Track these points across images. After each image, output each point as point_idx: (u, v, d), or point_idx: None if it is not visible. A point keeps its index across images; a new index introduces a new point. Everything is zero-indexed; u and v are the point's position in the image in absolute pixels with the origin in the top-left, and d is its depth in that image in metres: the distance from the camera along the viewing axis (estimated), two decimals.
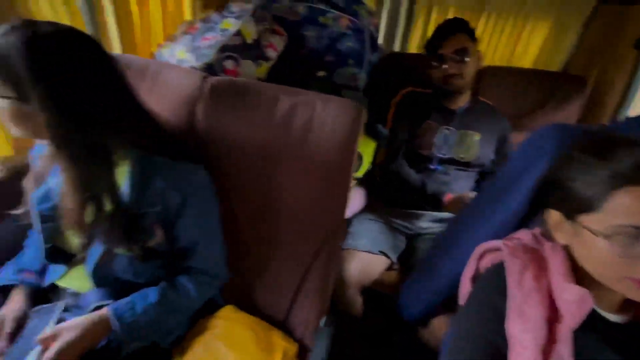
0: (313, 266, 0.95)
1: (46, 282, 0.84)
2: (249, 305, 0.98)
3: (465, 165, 1.32)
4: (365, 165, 1.28)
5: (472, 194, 1.17)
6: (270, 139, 0.93)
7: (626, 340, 0.54)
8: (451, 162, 1.32)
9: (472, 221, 0.85)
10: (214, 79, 0.96)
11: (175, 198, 0.73)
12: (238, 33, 1.07)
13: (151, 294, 0.77)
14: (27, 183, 0.79)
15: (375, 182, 1.34)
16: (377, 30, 1.38)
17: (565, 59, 1.60)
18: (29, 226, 0.88)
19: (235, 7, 1.15)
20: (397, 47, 1.78)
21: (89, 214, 0.68)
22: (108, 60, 0.66)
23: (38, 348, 0.67)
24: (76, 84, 0.61)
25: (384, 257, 1.22)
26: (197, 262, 0.82)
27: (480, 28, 1.66)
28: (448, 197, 1.23)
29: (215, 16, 1.16)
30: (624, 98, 1.35)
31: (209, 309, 0.91)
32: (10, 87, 0.59)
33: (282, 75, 1.27)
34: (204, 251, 0.81)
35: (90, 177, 0.66)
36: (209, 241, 0.82)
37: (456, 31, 1.21)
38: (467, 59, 1.21)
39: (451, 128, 1.31)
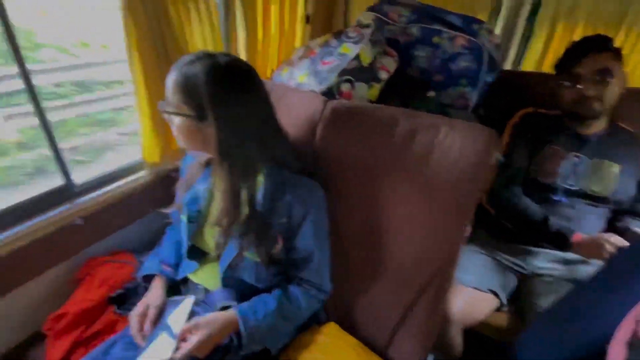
0: (421, 298, 0.91)
1: (180, 275, 0.96)
2: (349, 326, 0.98)
3: (597, 200, 1.14)
4: None
5: (615, 237, 0.99)
6: (387, 162, 0.92)
7: None
8: (580, 195, 1.14)
9: (630, 274, 0.72)
10: (334, 103, 1.00)
11: (300, 211, 0.80)
12: (356, 57, 1.11)
13: (270, 301, 0.82)
14: (179, 187, 0.92)
15: (485, 211, 1.23)
16: (498, 49, 1.29)
17: None
18: (167, 223, 1.02)
19: (352, 32, 1.20)
20: (509, 65, 1.64)
21: (230, 218, 0.77)
22: (263, 86, 0.75)
23: (177, 336, 0.75)
24: (243, 106, 0.71)
25: (492, 296, 1.11)
26: (309, 274, 0.86)
27: (617, 44, 1.43)
28: (577, 236, 1.07)
29: (333, 41, 1.22)
30: None
31: (312, 322, 0.94)
32: (192, 108, 0.70)
33: (391, 96, 1.27)
34: (315, 264, 0.85)
35: (240, 186, 0.75)
36: (321, 255, 0.85)
37: (599, 49, 1.06)
38: (609, 80, 1.04)
39: (581, 156, 1.14)
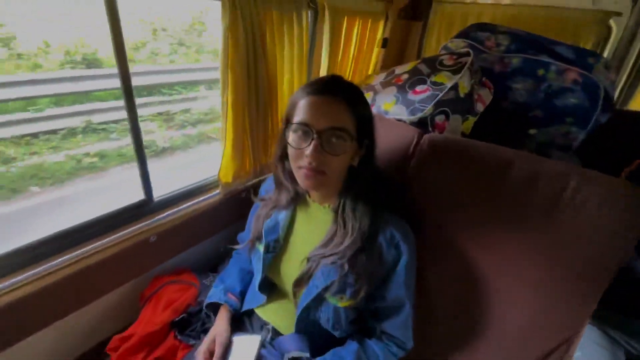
0: None
1: (246, 306, 0.89)
2: None
3: None
4: None
5: None
6: (495, 210, 0.80)
7: None
8: None
9: None
10: (431, 136, 0.91)
11: (392, 254, 0.72)
12: (454, 87, 1.01)
13: (346, 357, 0.73)
14: (258, 215, 0.86)
15: None
16: (613, 85, 1.13)
17: None
18: (229, 246, 0.96)
19: (448, 60, 1.10)
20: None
21: (351, 261, 0.69)
22: None
23: None
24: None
25: None
26: (393, 328, 0.76)
27: None
28: None
29: (424, 68, 1.13)
30: None
31: None
32: (356, 132, 0.67)
33: (484, 130, 1.14)
34: (403, 316, 0.75)
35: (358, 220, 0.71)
36: (408, 305, 0.75)
37: None
38: None
39: None
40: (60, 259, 0.87)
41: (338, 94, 0.65)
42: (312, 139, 0.63)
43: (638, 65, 1.39)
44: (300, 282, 0.75)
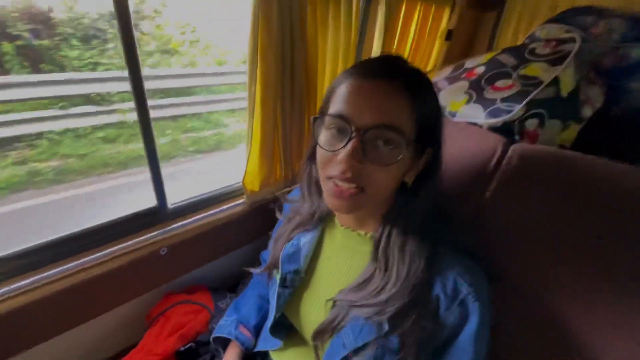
0: None
1: (259, 347, 0.72)
2: None
3: None
4: None
5: None
6: (618, 263, 0.53)
7: None
8: None
9: None
10: (523, 147, 0.66)
11: (455, 315, 0.48)
12: (554, 83, 0.74)
13: None
14: (282, 231, 0.67)
15: None
16: None
17: None
18: (249, 263, 0.77)
19: (543, 48, 0.83)
20: None
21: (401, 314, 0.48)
22: None
23: None
24: None
25: None
26: None
27: None
28: None
29: (507, 58, 0.87)
30: None
31: None
32: (416, 133, 0.47)
33: (598, 143, 0.85)
34: None
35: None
36: None
37: None
38: None
39: None
40: (59, 268, 0.77)
41: (395, 78, 0.44)
42: (350, 139, 0.43)
43: None
44: (321, 333, 0.55)
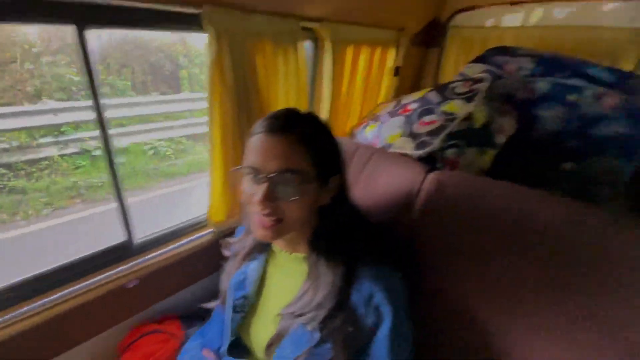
0: None
1: None
2: None
3: None
4: None
5: None
6: (518, 269, 0.64)
7: None
8: None
9: None
10: (438, 174, 0.78)
11: (372, 318, 0.57)
12: (468, 118, 0.89)
13: None
14: (229, 265, 0.76)
15: None
16: None
17: None
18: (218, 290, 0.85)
19: (461, 87, 0.99)
20: None
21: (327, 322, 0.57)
22: None
23: None
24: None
25: None
26: None
27: None
28: None
29: (434, 96, 1.02)
30: None
31: None
32: (316, 168, 0.57)
33: (508, 165, 0.99)
34: None
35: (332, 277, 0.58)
36: None
37: None
38: None
39: None
40: (28, 307, 0.81)
41: (290, 130, 0.55)
42: (262, 183, 0.54)
43: None
44: (270, 346, 0.62)
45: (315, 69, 1.17)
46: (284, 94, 1.03)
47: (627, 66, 1.28)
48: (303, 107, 1.10)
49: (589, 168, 1.03)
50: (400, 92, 1.65)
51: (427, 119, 0.96)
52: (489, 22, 1.58)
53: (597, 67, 1.00)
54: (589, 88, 0.97)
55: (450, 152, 0.88)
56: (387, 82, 1.56)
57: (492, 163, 0.95)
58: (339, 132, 1.39)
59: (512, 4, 1.43)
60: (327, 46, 1.10)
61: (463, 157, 0.89)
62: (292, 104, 1.06)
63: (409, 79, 1.71)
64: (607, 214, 0.60)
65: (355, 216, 0.65)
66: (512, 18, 1.50)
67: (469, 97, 0.93)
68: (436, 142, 0.87)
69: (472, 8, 1.56)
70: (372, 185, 0.85)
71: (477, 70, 1.17)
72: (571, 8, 1.46)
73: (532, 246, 0.63)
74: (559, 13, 1.46)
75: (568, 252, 0.60)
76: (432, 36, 1.69)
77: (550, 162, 0.98)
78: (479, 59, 1.22)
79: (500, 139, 0.95)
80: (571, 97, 0.99)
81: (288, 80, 1.02)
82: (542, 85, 1.04)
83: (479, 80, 0.97)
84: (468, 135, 0.89)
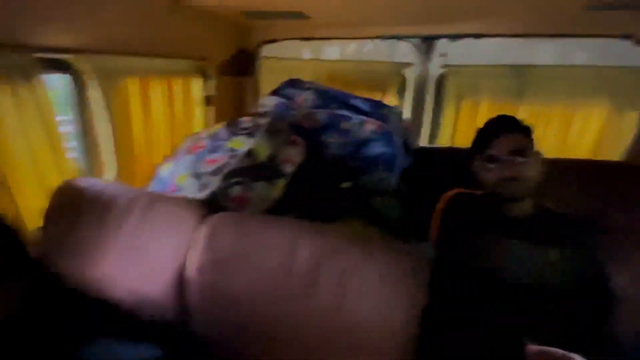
0: None
1: None
2: None
3: (546, 293, 0.99)
4: None
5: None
6: (286, 303, 0.66)
7: None
8: (526, 289, 0.99)
9: None
10: (214, 218, 0.74)
11: None
12: (249, 154, 0.89)
13: None
14: None
15: None
16: (408, 132, 1.21)
17: (628, 149, 1.36)
18: None
19: (247, 122, 1.00)
20: (425, 140, 1.61)
21: None
22: None
23: None
24: None
25: None
26: None
27: (521, 117, 1.47)
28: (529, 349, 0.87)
29: (223, 132, 1.00)
30: None
31: None
32: None
33: (302, 188, 1.06)
34: None
35: None
36: None
37: (510, 130, 1.01)
38: (524, 160, 0.97)
39: (518, 242, 1.01)
40: None
41: None
42: None
43: (434, 106, 1.58)
44: None
45: (81, 109, 0.98)
46: (25, 142, 0.81)
47: (393, 92, 1.60)
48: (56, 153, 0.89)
49: (372, 181, 1.21)
50: (220, 120, 1.61)
51: (213, 156, 0.93)
52: (292, 55, 1.72)
53: (359, 98, 1.19)
54: (353, 117, 1.14)
55: (235, 190, 0.86)
56: (199, 112, 1.49)
57: (286, 190, 0.99)
58: (140, 174, 1.22)
59: (302, 39, 1.59)
60: (91, 81, 0.94)
61: (251, 192, 0.89)
62: (40, 154, 0.85)
63: (228, 108, 1.69)
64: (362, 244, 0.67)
65: None
66: (309, 52, 1.68)
67: (250, 133, 0.94)
68: (216, 182, 0.84)
69: (274, 40, 1.66)
70: (147, 239, 0.74)
71: (270, 102, 1.23)
72: (353, 45, 1.75)
73: (299, 289, 0.66)
74: (344, 50, 1.73)
75: (320, 279, 0.64)
76: (244, 65, 1.72)
77: (334, 182, 1.11)
78: (274, 91, 1.30)
79: (289, 168, 1.00)
80: (344, 125, 1.15)
81: (27, 125, 0.81)
82: (322, 116, 1.16)
83: (262, 115, 1.00)
84: (252, 171, 0.90)
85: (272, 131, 0.97)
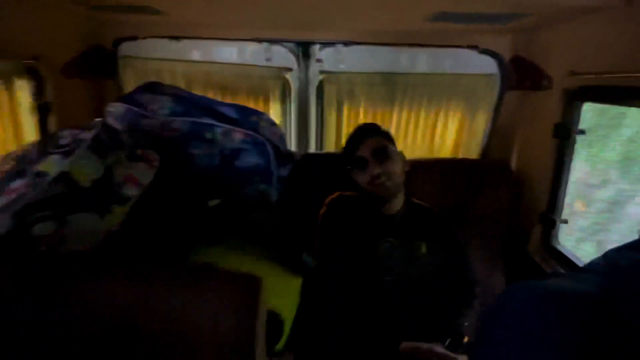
0: None
1: None
2: None
3: (420, 287, 1.04)
4: (288, 328, 0.89)
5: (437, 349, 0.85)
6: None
7: None
8: (403, 283, 1.03)
9: None
10: None
11: None
12: (61, 178, 0.70)
13: None
14: None
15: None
16: (283, 140, 1.15)
17: (482, 147, 1.55)
18: None
19: (67, 137, 0.80)
20: (313, 147, 1.58)
21: None
22: None
23: None
24: None
25: None
26: None
27: (395, 122, 1.56)
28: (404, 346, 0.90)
29: (34, 151, 0.78)
30: (554, 183, 1.27)
31: None
32: None
33: (156, 213, 0.91)
34: None
35: None
36: None
37: (371, 134, 1.06)
38: (388, 158, 1.03)
39: (393, 240, 1.05)
40: None
41: None
42: None
43: (318, 113, 1.56)
44: None
45: None
46: None
47: (275, 97, 1.53)
48: None
49: (247, 197, 1.12)
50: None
51: (16, 184, 0.71)
52: (159, 54, 1.52)
53: (226, 105, 1.09)
54: (218, 126, 1.02)
55: (42, 228, 0.67)
56: (32, 122, 1.19)
57: (129, 218, 0.82)
58: None
59: (171, 38, 1.41)
60: None
61: (69, 227, 0.70)
62: None
63: (80, 117, 1.39)
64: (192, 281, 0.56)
65: None
66: (179, 52, 1.50)
67: (67, 151, 0.75)
68: (7, 221, 0.63)
69: (135, 38, 1.44)
70: None
71: (118, 110, 1.03)
72: (230, 47, 1.63)
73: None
74: (220, 51, 1.59)
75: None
76: (99, 66, 1.45)
77: (200, 200, 0.98)
78: (125, 97, 1.10)
79: (133, 190, 0.83)
80: (208, 135, 1.02)
81: None
82: (183, 124, 1.02)
83: (87, 128, 0.82)
84: (71, 199, 0.71)
85: (100, 147, 0.79)
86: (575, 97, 1.12)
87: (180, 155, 1.02)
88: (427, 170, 1.37)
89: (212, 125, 1.02)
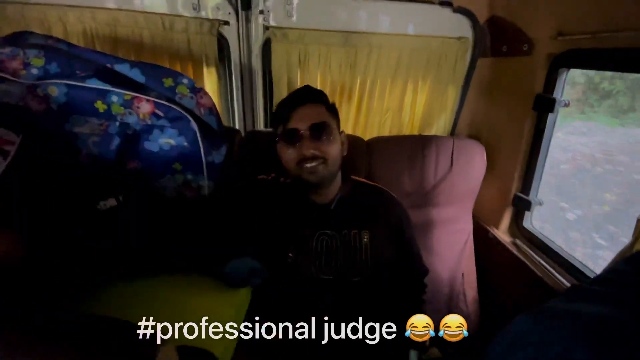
0: None
1: None
2: None
3: (362, 286, 0.85)
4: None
5: None
6: None
7: None
8: (340, 281, 0.84)
9: None
10: None
11: None
12: None
13: None
14: None
15: None
16: (213, 114, 0.87)
17: (452, 122, 1.39)
18: None
19: None
20: (262, 124, 1.31)
21: None
22: None
23: None
24: None
25: None
26: None
27: (357, 93, 1.33)
28: None
29: None
30: (530, 162, 1.15)
31: None
32: None
33: (13, 226, 0.60)
34: None
35: None
36: None
37: (310, 101, 0.81)
38: (328, 137, 0.80)
39: (328, 232, 0.84)
40: None
41: None
42: None
43: (266, 79, 1.27)
44: None
45: None
46: None
47: (210, 58, 1.21)
48: None
49: (166, 189, 0.84)
50: None
51: None
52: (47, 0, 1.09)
53: (126, 62, 0.77)
54: (114, 92, 0.71)
55: None
56: None
57: None
58: None
59: None
60: None
61: None
62: None
63: None
64: None
65: None
66: None
67: None
68: None
69: None
70: None
71: None
72: None
73: None
74: None
75: None
76: None
77: (85, 200, 0.68)
78: None
79: None
80: (99, 106, 0.71)
81: None
82: (55, 90, 0.70)
83: None
84: None
85: None
86: (562, 64, 0.98)
87: (56, 135, 0.70)
88: (391, 148, 1.19)
89: (106, 91, 0.71)
